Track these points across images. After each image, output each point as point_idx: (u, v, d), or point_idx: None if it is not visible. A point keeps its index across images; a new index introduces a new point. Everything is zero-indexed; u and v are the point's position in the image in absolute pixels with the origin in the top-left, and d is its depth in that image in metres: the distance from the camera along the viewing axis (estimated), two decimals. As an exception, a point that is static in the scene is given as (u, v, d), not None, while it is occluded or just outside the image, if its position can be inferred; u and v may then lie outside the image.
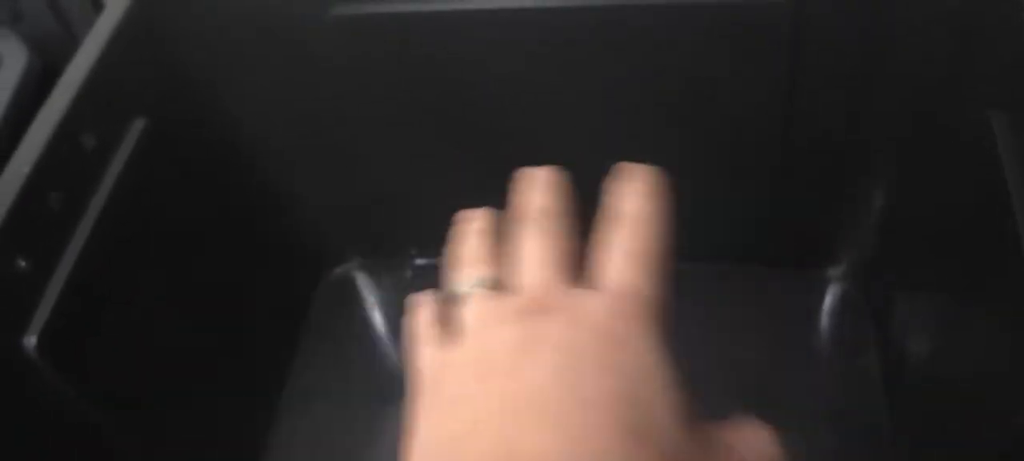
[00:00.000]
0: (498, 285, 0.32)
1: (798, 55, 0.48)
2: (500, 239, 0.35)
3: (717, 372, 0.59)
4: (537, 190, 0.35)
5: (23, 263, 0.39)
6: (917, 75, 0.48)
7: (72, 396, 0.41)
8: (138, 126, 0.46)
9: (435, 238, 0.67)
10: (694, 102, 0.52)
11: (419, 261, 0.67)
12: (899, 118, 0.51)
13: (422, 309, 0.34)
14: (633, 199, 0.34)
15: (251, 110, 0.54)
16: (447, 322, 0.32)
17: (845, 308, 0.62)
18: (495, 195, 0.63)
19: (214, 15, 0.50)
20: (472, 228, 0.36)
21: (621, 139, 0.55)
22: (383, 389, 0.61)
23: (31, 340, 0.39)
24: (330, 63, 0.52)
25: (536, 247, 0.32)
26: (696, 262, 0.63)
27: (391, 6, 0.49)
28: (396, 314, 0.67)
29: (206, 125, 0.53)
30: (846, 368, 0.60)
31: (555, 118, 0.55)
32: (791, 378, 0.59)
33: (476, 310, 0.31)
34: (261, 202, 0.60)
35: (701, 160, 0.56)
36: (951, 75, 0.46)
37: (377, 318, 0.67)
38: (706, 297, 0.63)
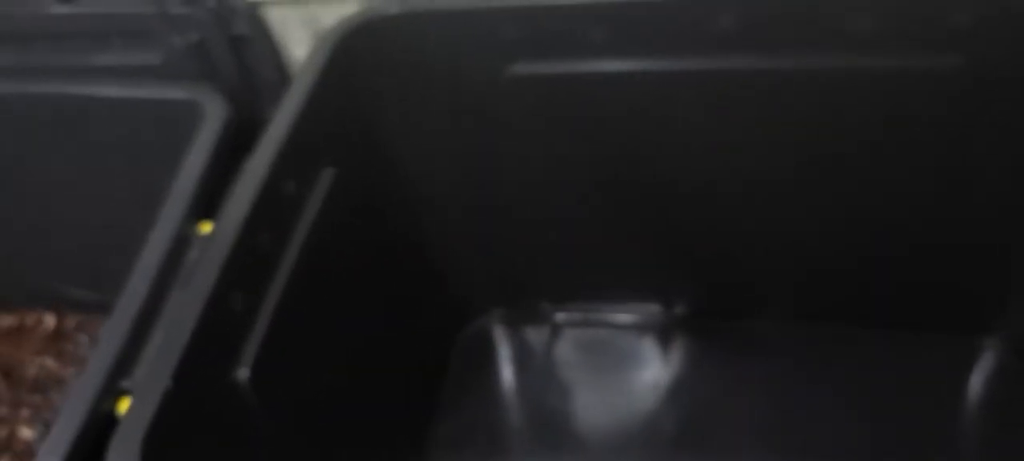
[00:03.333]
0: None
1: (974, 121, 0.49)
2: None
3: (862, 437, 0.59)
4: None
5: (238, 300, 0.41)
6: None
7: (272, 429, 0.43)
8: (328, 174, 0.49)
9: (577, 295, 0.69)
10: (866, 165, 0.52)
11: (559, 316, 0.68)
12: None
13: None
14: None
15: (420, 162, 0.57)
16: None
17: (1001, 377, 0.60)
18: (637, 258, 0.65)
19: (397, 76, 0.53)
20: None
21: (785, 199, 0.56)
22: (515, 445, 0.62)
23: (245, 372, 0.41)
24: (499, 119, 0.54)
25: None
26: (849, 324, 0.63)
27: (563, 66, 0.51)
28: (532, 370, 0.67)
29: (383, 175, 0.55)
30: (1000, 439, 0.58)
31: (712, 181, 0.56)
32: (941, 447, 0.58)
33: None
34: (417, 249, 0.62)
35: (866, 224, 0.56)
36: None
37: (510, 373, 0.68)
38: (856, 361, 0.62)
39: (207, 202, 0.48)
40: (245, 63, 0.57)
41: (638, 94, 0.51)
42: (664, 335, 0.66)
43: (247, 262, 0.42)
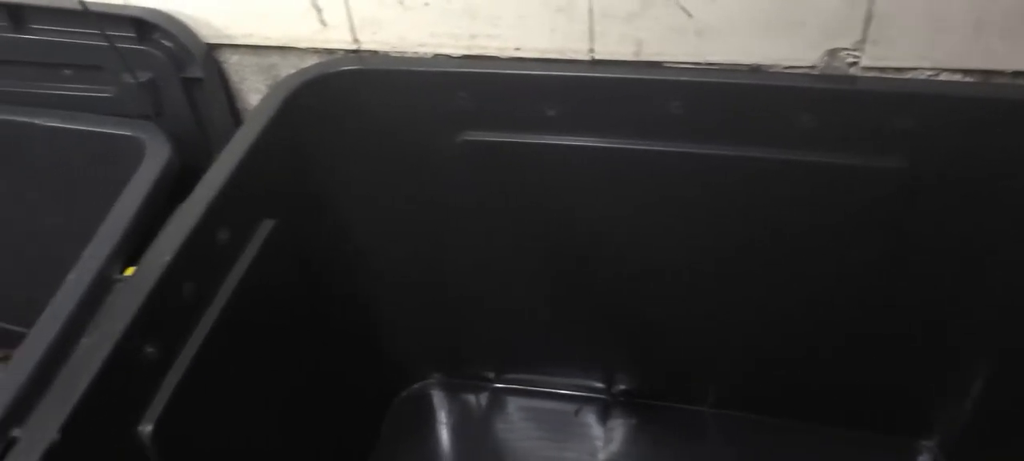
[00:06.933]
0: None
1: (912, 218, 0.49)
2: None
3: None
4: None
5: (151, 350, 0.40)
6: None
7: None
8: (267, 226, 0.48)
9: (518, 365, 0.68)
10: (806, 257, 0.52)
11: (499, 385, 0.67)
12: (1008, 293, 0.51)
13: None
14: None
15: (364, 220, 0.56)
16: None
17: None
18: (581, 328, 0.64)
19: (349, 132, 0.53)
20: None
21: (727, 284, 0.56)
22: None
23: (148, 427, 0.39)
24: (448, 183, 0.54)
25: None
26: (785, 417, 0.62)
27: (515, 137, 0.51)
28: (468, 435, 0.66)
29: (325, 232, 0.54)
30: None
31: (656, 261, 0.56)
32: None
33: None
34: (354, 310, 0.61)
35: (805, 315, 0.56)
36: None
37: (447, 440, 0.67)
38: (790, 454, 0.62)
39: (140, 244, 0.46)
40: (197, 106, 0.56)
41: (587, 170, 0.51)
42: (604, 411, 0.65)
43: (166, 310, 0.40)
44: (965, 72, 0.47)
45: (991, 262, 0.51)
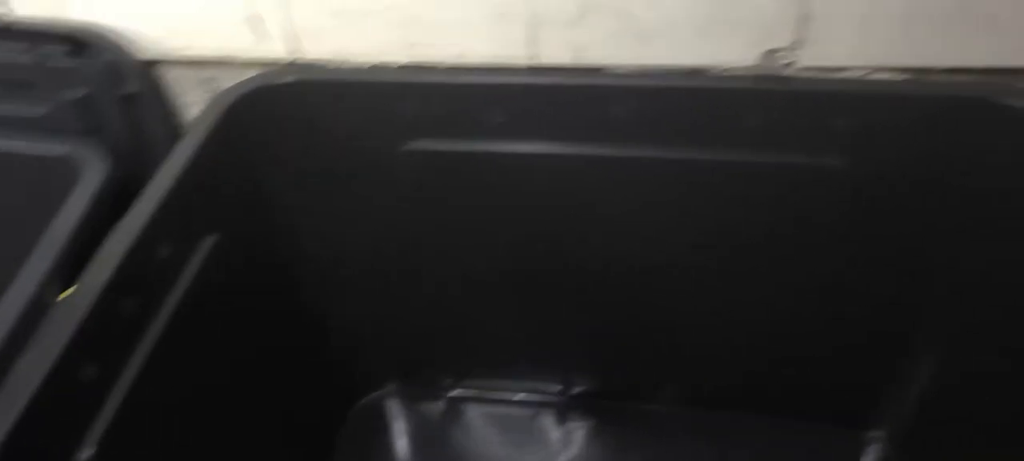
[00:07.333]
0: None
1: (856, 216, 0.50)
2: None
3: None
4: None
5: (91, 371, 0.39)
6: (974, 247, 0.50)
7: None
8: (210, 241, 0.47)
9: (476, 371, 0.68)
10: (755, 255, 0.53)
11: (456, 391, 0.67)
12: (952, 287, 0.52)
13: None
14: None
15: (311, 233, 0.56)
16: None
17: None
18: (542, 336, 0.64)
19: (291, 144, 0.52)
20: None
21: (679, 284, 0.57)
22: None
23: (89, 452, 0.38)
24: (396, 193, 0.54)
25: None
26: (740, 411, 0.63)
27: (461, 145, 0.51)
28: (425, 444, 0.66)
29: (271, 244, 0.54)
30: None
31: (608, 264, 0.56)
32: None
33: None
34: (307, 321, 0.60)
35: (756, 310, 0.57)
36: (1010, 254, 0.47)
37: (405, 447, 0.66)
38: (748, 447, 0.63)
39: (78, 265, 0.45)
40: (136, 122, 0.55)
41: (534, 175, 0.52)
42: (562, 413, 0.65)
43: (105, 330, 0.39)
44: (899, 70, 0.48)
45: (935, 256, 0.52)
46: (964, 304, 0.52)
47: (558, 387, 0.66)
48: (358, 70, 0.51)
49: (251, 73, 0.53)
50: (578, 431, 0.65)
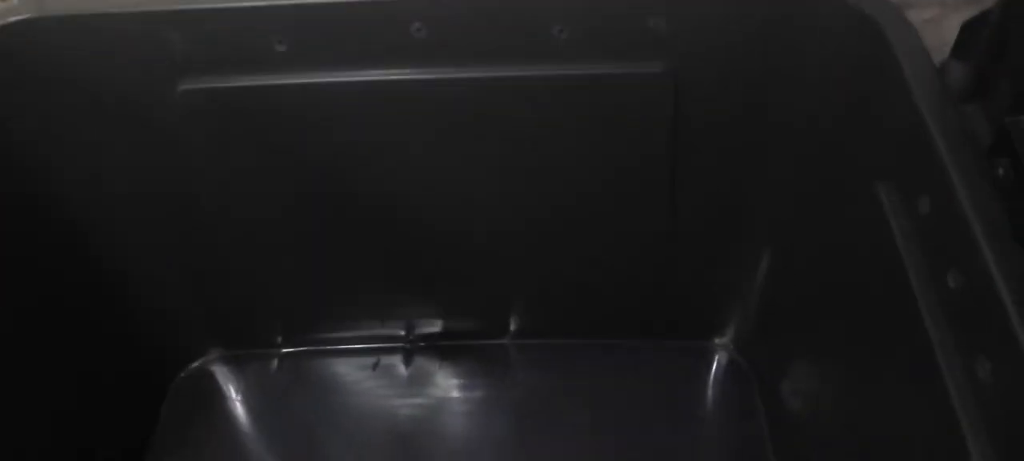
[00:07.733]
0: None
1: (679, 125, 0.48)
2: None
3: (606, 446, 0.58)
4: None
5: None
6: (801, 146, 0.48)
7: None
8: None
9: (305, 326, 0.63)
10: (577, 173, 0.50)
11: (287, 350, 0.62)
12: (782, 188, 0.51)
13: None
14: None
15: (88, 200, 0.49)
16: None
17: (731, 376, 0.61)
18: (367, 278, 0.60)
19: (46, 88, 0.44)
20: None
21: (502, 211, 0.53)
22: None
23: None
24: (179, 140, 0.47)
25: None
26: (584, 337, 0.62)
27: (242, 80, 0.45)
28: (262, 408, 0.61)
29: (35, 206, 0.46)
30: (734, 435, 0.59)
31: (427, 197, 0.52)
32: (680, 448, 0.58)
33: None
34: (101, 292, 0.53)
35: (586, 231, 0.54)
36: (836, 144, 0.46)
37: (240, 413, 0.61)
38: (593, 372, 0.62)
39: None
40: None
41: (332, 108, 0.46)
42: (405, 359, 0.62)
43: None
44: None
45: (764, 163, 0.50)
46: (785, 209, 0.51)
47: (401, 332, 0.62)
48: (115, 1, 0.44)
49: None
50: (422, 374, 0.62)
